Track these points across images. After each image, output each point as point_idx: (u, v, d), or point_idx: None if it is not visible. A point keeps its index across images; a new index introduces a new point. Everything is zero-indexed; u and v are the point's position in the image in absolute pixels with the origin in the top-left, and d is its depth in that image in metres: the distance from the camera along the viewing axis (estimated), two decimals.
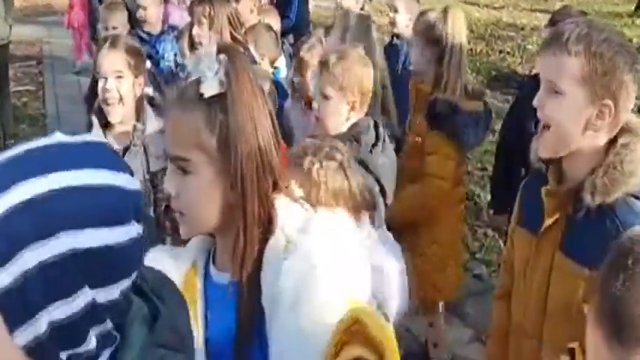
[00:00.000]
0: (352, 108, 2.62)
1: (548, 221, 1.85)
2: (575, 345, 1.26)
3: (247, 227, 1.31)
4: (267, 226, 1.34)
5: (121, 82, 2.83)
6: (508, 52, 10.02)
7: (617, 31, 1.80)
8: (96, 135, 1.14)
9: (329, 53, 2.68)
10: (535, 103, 1.81)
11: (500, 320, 2.17)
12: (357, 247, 1.36)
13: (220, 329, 1.36)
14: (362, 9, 4.71)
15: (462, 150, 3.26)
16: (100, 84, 2.85)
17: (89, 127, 2.91)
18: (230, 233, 1.35)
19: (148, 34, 4.68)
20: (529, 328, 1.97)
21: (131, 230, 1.00)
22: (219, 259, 1.41)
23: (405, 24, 4.35)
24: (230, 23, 3.60)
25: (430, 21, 3.27)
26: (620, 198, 1.72)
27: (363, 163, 2.53)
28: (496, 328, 2.20)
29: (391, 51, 4.25)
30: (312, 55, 3.32)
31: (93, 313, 0.97)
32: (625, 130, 1.75)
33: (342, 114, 2.62)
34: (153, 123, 2.90)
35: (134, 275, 1.03)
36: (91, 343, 0.99)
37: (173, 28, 4.74)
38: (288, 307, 1.26)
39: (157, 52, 4.62)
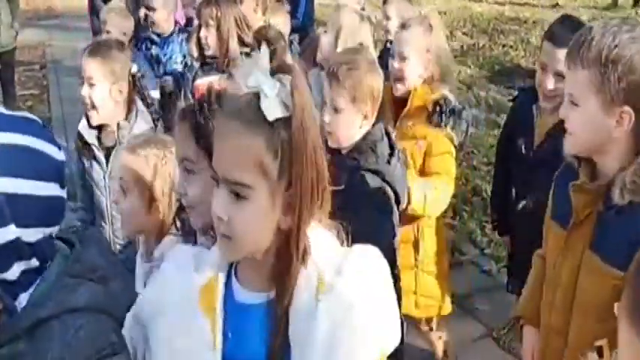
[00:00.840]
0: (365, 117, 2.55)
1: (577, 217, 1.85)
2: (603, 342, 1.25)
3: (299, 256, 1.25)
4: (302, 254, 1.27)
5: (94, 89, 2.93)
6: (511, 46, 10.01)
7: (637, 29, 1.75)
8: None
9: (337, 63, 2.58)
10: (560, 115, 1.87)
11: (536, 271, 2.21)
12: (387, 289, 1.32)
13: (243, 351, 1.31)
14: (363, 9, 4.72)
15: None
16: (80, 89, 3.00)
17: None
18: (268, 255, 1.28)
19: (158, 35, 4.70)
20: (555, 325, 1.97)
21: (53, 189, 1.25)
22: (248, 277, 1.33)
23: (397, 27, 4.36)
24: (237, 25, 3.62)
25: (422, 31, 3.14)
26: None
27: (379, 174, 2.46)
28: (532, 278, 2.24)
29: (386, 56, 4.24)
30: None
31: (17, 247, 1.21)
32: None
33: (355, 125, 2.54)
34: (142, 123, 3.00)
35: (56, 227, 1.28)
36: (14, 272, 1.23)
37: (181, 30, 4.74)
38: (322, 352, 1.22)
39: (166, 54, 4.64)
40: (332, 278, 1.25)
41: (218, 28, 3.57)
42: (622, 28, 1.71)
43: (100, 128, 3.01)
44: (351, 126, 2.53)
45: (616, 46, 1.68)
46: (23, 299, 1.26)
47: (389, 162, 2.50)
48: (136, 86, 3.08)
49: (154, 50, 4.68)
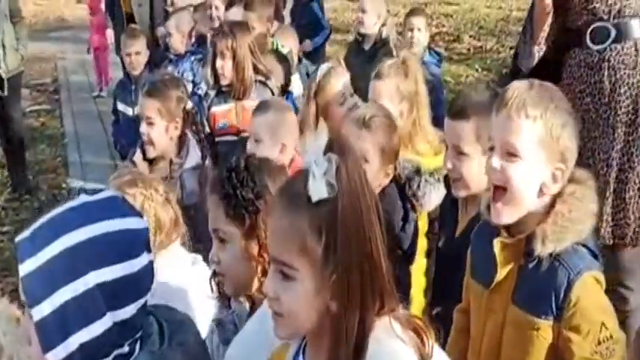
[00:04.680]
0: (387, 174, 2.48)
1: (502, 273, 1.81)
2: None
3: (349, 348, 1.19)
4: (356, 352, 1.20)
5: (152, 128, 3.12)
6: None
7: (561, 95, 1.80)
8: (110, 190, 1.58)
9: (371, 113, 2.52)
10: (495, 180, 1.78)
11: (456, 324, 2.13)
12: None
13: None
14: (384, 25, 4.80)
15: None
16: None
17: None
18: (325, 338, 1.24)
19: (175, 54, 4.98)
20: None
21: (143, 259, 1.28)
22: (311, 357, 1.31)
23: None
24: (251, 53, 3.69)
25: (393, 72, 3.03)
26: (568, 246, 1.73)
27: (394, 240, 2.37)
28: (453, 332, 2.15)
29: None
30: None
31: (112, 335, 1.24)
32: (571, 179, 1.77)
33: (379, 179, 2.45)
34: (193, 158, 3.16)
35: (148, 294, 1.30)
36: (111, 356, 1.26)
37: (194, 52, 4.87)
38: None
39: (178, 71, 4.79)
40: None
41: (234, 58, 3.64)
42: (545, 87, 1.75)
43: (151, 160, 3.18)
44: (375, 180, 2.39)
45: (556, 107, 1.72)
46: None
47: (403, 229, 2.41)
48: (188, 121, 3.25)
49: (170, 69, 4.86)
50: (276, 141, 2.86)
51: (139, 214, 1.35)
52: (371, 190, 1.24)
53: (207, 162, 3.40)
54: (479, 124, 2.18)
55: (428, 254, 2.77)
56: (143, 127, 3.14)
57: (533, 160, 1.73)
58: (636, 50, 2.88)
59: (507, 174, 1.74)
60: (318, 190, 1.16)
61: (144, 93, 3.18)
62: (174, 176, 3.09)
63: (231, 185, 1.71)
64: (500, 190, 1.77)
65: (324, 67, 3.40)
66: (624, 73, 2.90)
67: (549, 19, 2.92)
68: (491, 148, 1.80)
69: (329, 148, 1.20)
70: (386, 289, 1.23)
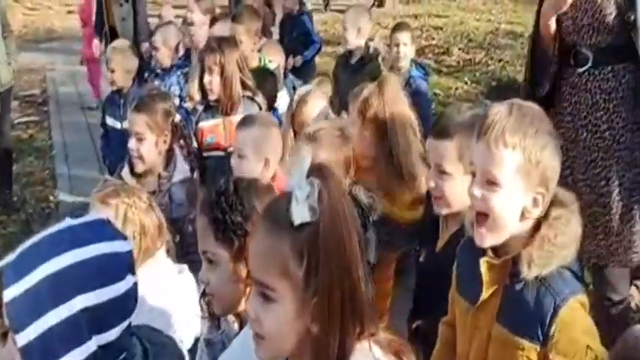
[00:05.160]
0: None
1: (487, 293, 1.83)
2: None
3: None
4: None
5: (142, 143, 3.14)
6: (507, 62, 10.05)
7: (542, 116, 1.80)
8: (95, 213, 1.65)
9: (314, 127, 2.60)
10: (476, 204, 1.79)
11: (441, 337, 2.15)
12: None
13: None
14: (371, 39, 4.84)
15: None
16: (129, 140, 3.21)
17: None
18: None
19: (162, 69, 4.99)
20: None
21: (128, 281, 1.30)
22: None
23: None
24: (239, 68, 3.70)
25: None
26: (554, 270, 1.75)
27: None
28: (438, 345, 2.17)
29: None
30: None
31: (96, 357, 1.25)
32: (555, 202, 1.78)
33: None
34: (181, 171, 3.19)
35: (132, 315, 1.32)
36: None
37: (180, 66, 4.88)
38: None
39: (165, 85, 4.79)
40: None
41: (222, 74, 3.65)
42: (525, 110, 1.75)
43: (139, 174, 3.20)
44: None
45: (536, 131, 1.72)
46: None
47: (364, 235, 2.33)
48: (177, 135, 3.26)
49: (156, 83, 4.88)
50: (259, 156, 2.87)
51: (125, 237, 1.37)
52: (352, 213, 1.25)
53: (196, 175, 3.41)
54: (461, 144, 2.17)
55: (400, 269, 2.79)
56: (132, 143, 3.14)
57: (513, 187, 1.74)
58: (614, 77, 2.93)
59: (489, 203, 1.76)
60: (300, 213, 1.17)
61: (132, 109, 3.20)
62: (162, 190, 3.12)
63: (220, 209, 1.71)
64: (482, 216, 1.78)
65: (301, 91, 3.36)
66: (600, 98, 2.95)
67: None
68: (473, 174, 1.81)
69: (311, 171, 1.21)
70: (366, 313, 1.24)
